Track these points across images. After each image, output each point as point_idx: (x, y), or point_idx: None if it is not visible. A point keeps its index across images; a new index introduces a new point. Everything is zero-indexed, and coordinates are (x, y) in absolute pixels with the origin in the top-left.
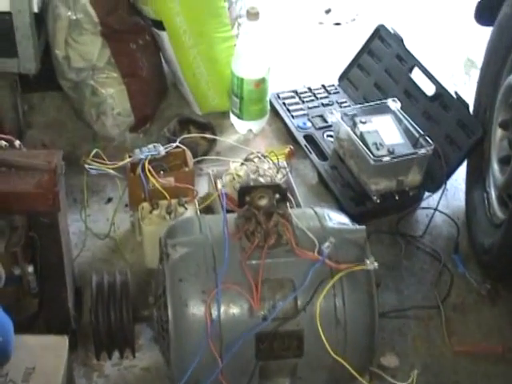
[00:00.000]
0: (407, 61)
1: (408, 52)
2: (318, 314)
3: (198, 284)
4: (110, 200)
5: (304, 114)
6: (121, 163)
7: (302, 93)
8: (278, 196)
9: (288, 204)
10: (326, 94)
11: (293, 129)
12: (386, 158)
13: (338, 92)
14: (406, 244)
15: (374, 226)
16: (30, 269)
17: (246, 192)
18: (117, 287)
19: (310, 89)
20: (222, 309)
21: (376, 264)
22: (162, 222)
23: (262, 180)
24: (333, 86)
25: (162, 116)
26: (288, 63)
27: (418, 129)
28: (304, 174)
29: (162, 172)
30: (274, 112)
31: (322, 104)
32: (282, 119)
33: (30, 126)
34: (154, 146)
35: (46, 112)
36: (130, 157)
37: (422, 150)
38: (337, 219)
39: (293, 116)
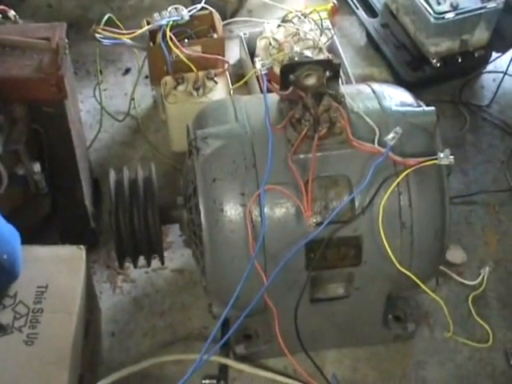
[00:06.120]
0: None
1: None
2: (380, 217)
3: (236, 184)
4: (127, 71)
5: None
6: (138, 32)
7: None
8: (328, 73)
9: (341, 82)
10: None
11: None
12: (450, 15)
13: None
14: (471, 115)
15: (434, 94)
16: (37, 167)
17: (290, 70)
18: (139, 186)
19: None
20: (266, 214)
21: (452, 157)
22: (188, 98)
23: (307, 53)
24: None
25: None
26: None
27: None
28: (350, 34)
29: (186, 40)
30: None
31: None
32: None
33: None
34: (176, 9)
35: None
36: (148, 23)
37: (492, 3)
38: (399, 98)
39: None
